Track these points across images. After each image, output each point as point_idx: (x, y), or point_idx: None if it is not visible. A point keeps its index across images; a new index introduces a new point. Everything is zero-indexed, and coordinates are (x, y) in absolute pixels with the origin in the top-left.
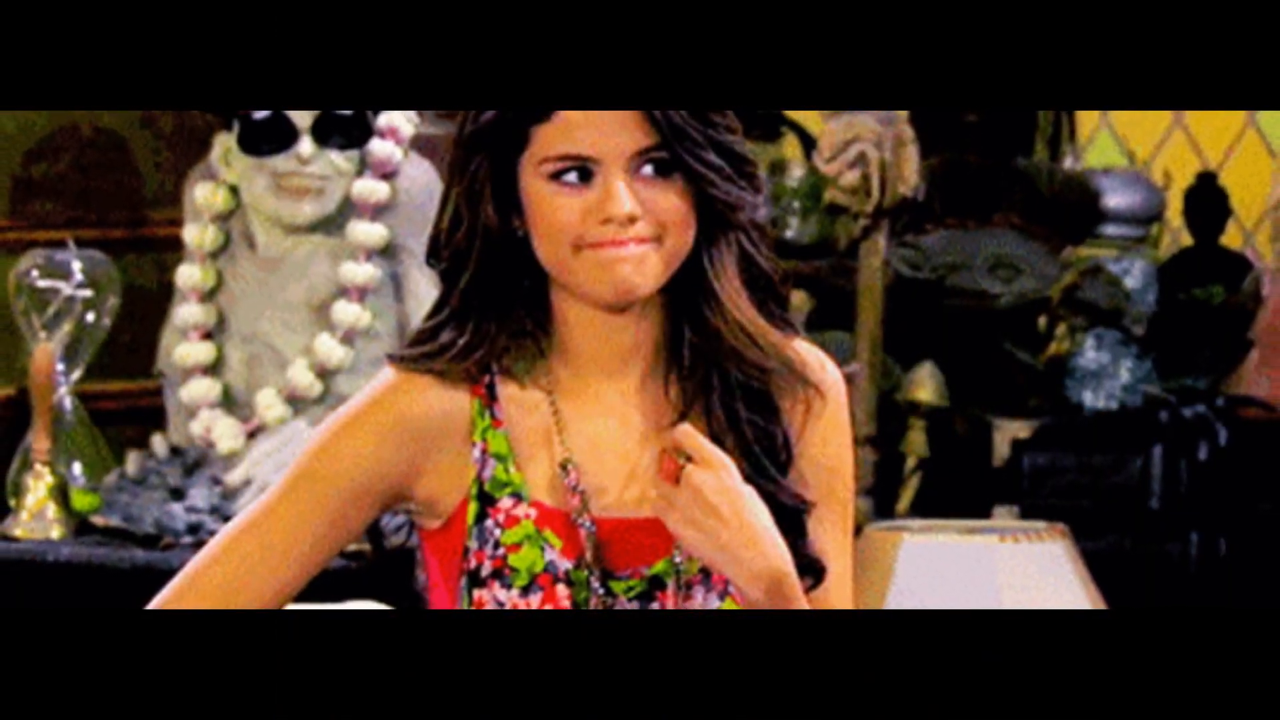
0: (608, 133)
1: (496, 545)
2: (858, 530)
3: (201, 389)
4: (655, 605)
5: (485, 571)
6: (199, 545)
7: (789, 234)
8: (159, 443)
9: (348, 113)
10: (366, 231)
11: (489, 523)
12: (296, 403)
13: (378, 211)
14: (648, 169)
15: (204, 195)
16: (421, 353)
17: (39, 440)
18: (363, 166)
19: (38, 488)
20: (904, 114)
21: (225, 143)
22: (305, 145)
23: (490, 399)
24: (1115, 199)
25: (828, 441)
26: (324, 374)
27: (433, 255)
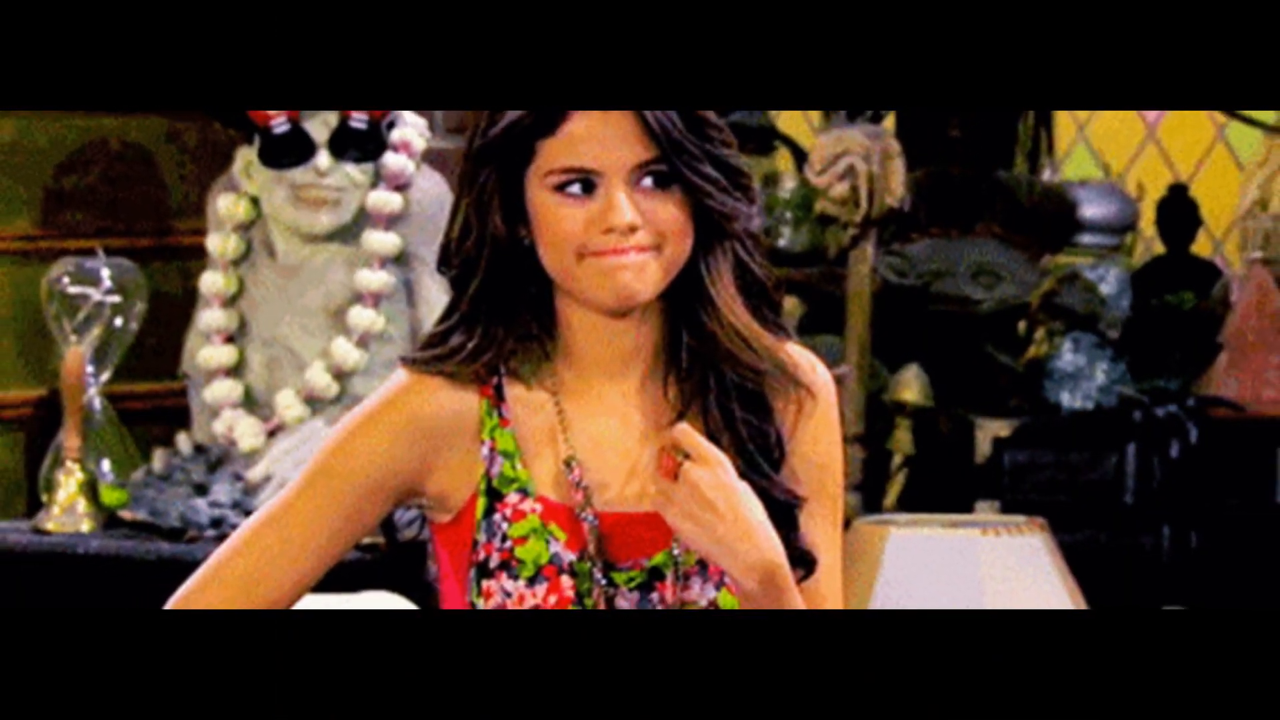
0: (610, 146)
1: (504, 538)
2: (847, 524)
3: (224, 390)
4: (655, 595)
5: (493, 563)
6: (222, 538)
7: (782, 243)
8: (184, 441)
9: (363, 127)
10: (381, 240)
11: (497, 517)
12: (314, 403)
13: (391, 221)
14: (647, 181)
15: (226, 206)
16: (433, 355)
17: (70, 439)
18: (377, 179)
19: (68, 484)
20: (891, 128)
21: (246, 156)
22: (323, 158)
23: (498, 399)
24: (1091, 209)
25: (818, 440)
26: (340, 376)
27: (443, 263)
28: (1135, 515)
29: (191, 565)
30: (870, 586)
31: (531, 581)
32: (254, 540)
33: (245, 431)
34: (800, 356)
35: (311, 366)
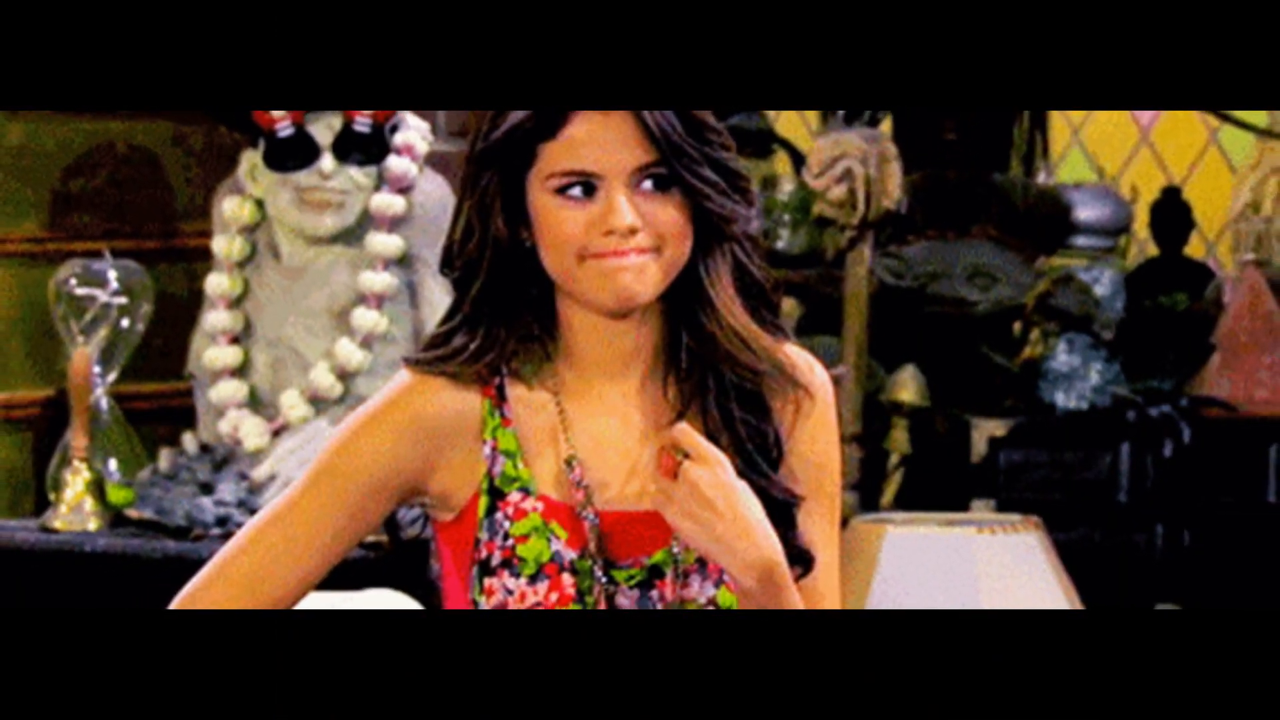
0: (610, 150)
1: (506, 536)
2: (844, 522)
3: (229, 390)
4: (654, 593)
5: (495, 561)
6: (227, 536)
7: (780, 245)
8: (189, 440)
9: (366, 131)
10: (384, 242)
11: (499, 515)
12: (318, 403)
13: (394, 224)
14: (647, 184)
15: (232, 208)
16: (435, 356)
17: (77, 438)
18: (380, 181)
19: (76, 483)
20: (888, 132)
21: (252, 159)
22: (326, 162)
23: (500, 399)
24: (1085, 212)
25: (816, 439)
26: (344, 376)
27: (446, 265)
28: (1129, 514)
29: (197, 563)
30: (867, 584)
31: (533, 579)
32: (259, 538)
33: (250, 431)
34: (798, 357)
35: (316, 367)
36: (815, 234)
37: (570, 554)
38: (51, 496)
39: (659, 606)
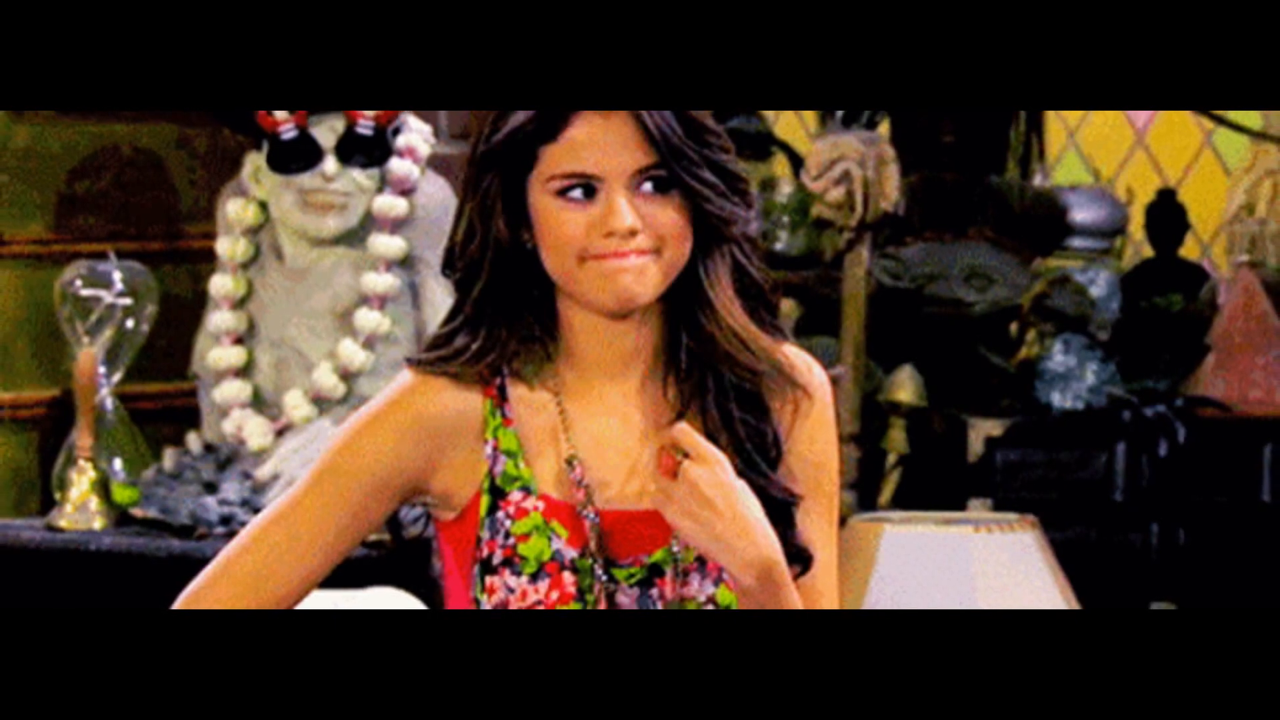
0: (610, 152)
1: (507, 535)
2: (842, 521)
3: (233, 390)
4: (654, 591)
5: (496, 560)
6: (231, 535)
7: (779, 246)
8: (194, 440)
9: (369, 133)
10: (386, 244)
11: (500, 514)
12: (321, 403)
13: (397, 225)
14: (647, 186)
15: (235, 210)
16: (437, 356)
17: (82, 438)
18: (383, 184)
19: (81, 482)
20: (885, 134)
21: (255, 162)
22: (330, 164)
23: (501, 399)
24: (1081, 214)
25: (814, 439)
26: (347, 376)
27: (448, 266)
28: (1124, 513)
29: (201, 562)
30: (865, 582)
31: (534, 578)
32: (262, 537)
33: (254, 431)
34: (797, 358)
35: (319, 367)
36: (813, 236)
37: (571, 552)
38: (57, 496)
39: (659, 605)
